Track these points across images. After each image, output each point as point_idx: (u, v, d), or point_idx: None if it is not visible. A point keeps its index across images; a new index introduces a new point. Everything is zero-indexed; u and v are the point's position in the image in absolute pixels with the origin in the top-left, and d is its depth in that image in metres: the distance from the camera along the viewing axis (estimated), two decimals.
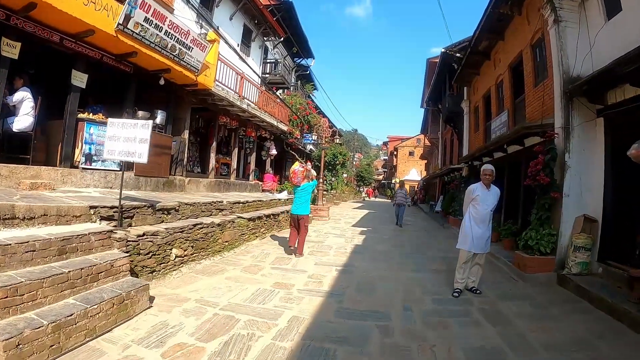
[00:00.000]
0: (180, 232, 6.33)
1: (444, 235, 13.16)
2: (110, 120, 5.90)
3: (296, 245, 7.95)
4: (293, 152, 18.85)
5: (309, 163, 26.72)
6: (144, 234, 5.56)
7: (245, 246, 8.54)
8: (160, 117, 9.85)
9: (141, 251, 5.51)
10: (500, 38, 12.01)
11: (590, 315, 5.14)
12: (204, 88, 10.57)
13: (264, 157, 17.46)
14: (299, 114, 17.06)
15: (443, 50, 17.42)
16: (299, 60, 28.20)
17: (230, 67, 12.15)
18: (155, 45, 8.27)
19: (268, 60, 21.52)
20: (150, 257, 5.68)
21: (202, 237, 6.93)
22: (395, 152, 73.44)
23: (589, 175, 7.10)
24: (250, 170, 15.67)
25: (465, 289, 5.94)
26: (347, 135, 66.78)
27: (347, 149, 26.96)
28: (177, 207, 6.88)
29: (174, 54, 8.88)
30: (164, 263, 5.97)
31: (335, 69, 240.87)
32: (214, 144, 12.63)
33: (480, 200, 5.83)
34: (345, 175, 45.44)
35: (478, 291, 5.90)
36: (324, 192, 27.71)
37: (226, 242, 7.85)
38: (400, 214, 14.86)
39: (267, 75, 21.65)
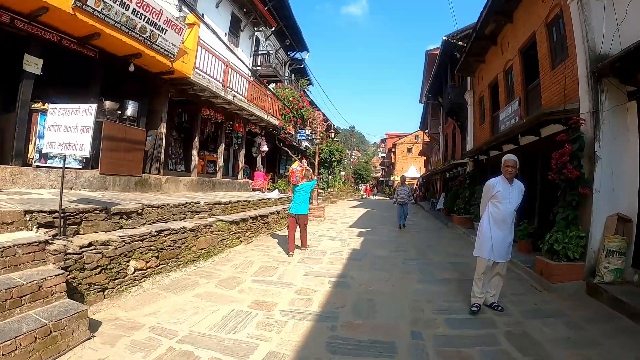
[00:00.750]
0: (140, 240, 5.30)
1: (449, 236, 12.17)
2: (50, 106, 4.89)
3: (294, 250, 7.84)
4: (286, 149, 17.82)
5: (304, 160, 25.77)
6: (90, 245, 4.54)
7: (227, 253, 7.52)
8: (131, 108, 8.84)
9: (87, 265, 4.49)
10: (509, 20, 11.01)
11: (638, 336, 4.19)
12: (182, 76, 9.56)
13: (254, 154, 16.45)
14: (291, 107, 16.02)
15: (444, 38, 16.40)
16: (292, 54, 27.16)
17: (214, 55, 11.12)
18: (122, 25, 7.29)
19: (259, 52, 20.50)
20: (99, 273, 4.66)
21: (169, 246, 5.91)
22: (393, 149, 72.56)
23: (622, 168, 6.15)
24: (240, 168, 14.65)
25: (484, 304, 4.94)
26: (345, 133, 65.86)
27: (344, 146, 25.91)
28: (139, 210, 5.85)
29: (145, 36, 7.89)
30: (119, 279, 4.95)
31: (331, 68, 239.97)
32: (197, 139, 11.61)
33: (502, 197, 4.83)
34: (342, 173, 44.50)
35: (499, 307, 4.91)
36: (320, 191, 26.71)
37: (202, 249, 6.83)
38: (404, 214, 13.25)
39: (258, 68, 20.63)
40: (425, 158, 47.84)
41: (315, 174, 14.94)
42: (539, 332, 4.25)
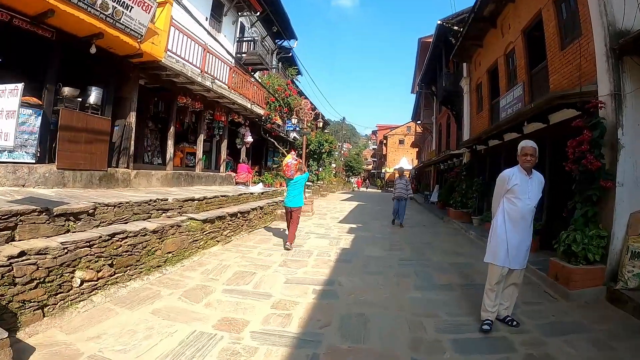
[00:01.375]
0: (88, 246, 4.44)
1: (447, 231, 11.45)
2: None
3: (286, 243, 7.78)
4: (272, 140, 16.92)
5: (293, 152, 24.97)
6: (21, 254, 3.70)
7: (200, 256, 6.69)
8: (95, 95, 7.95)
9: (18, 280, 3.64)
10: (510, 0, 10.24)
11: None
12: (152, 59, 8.67)
13: (238, 146, 15.56)
14: (277, 95, 15.10)
15: (439, 22, 15.64)
16: (280, 42, 26.14)
17: (191, 37, 10.19)
18: (79, 1, 6.37)
19: (245, 39, 19.48)
20: (35, 287, 3.82)
21: (127, 251, 5.06)
22: (384, 141, 71.88)
23: None
24: (222, 161, 13.77)
25: (497, 318, 4.19)
26: (335, 125, 64.94)
27: (334, 137, 25.08)
28: (90, 210, 4.98)
29: (107, 13, 7.00)
30: (61, 293, 4.10)
31: (321, 60, 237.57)
32: (172, 129, 10.72)
33: (520, 191, 4.05)
34: (333, 165, 43.65)
35: (514, 322, 4.17)
36: (309, 184, 25.78)
37: (170, 253, 5.99)
38: (401, 211, 12.02)
39: (242, 55, 19.64)
40: (417, 150, 47.18)
41: (303, 166, 14.05)
42: (564, 355, 3.54)
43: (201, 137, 12.31)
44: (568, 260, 5.47)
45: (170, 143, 10.65)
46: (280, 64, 26.60)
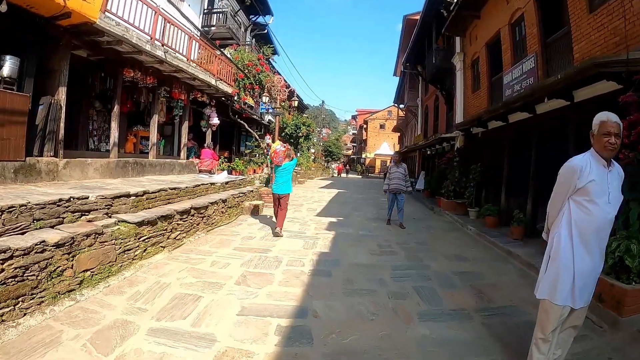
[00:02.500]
0: None
1: (441, 226, 10.13)
2: None
3: (276, 229, 7.81)
4: (243, 122, 15.22)
5: (267, 137, 23.25)
6: None
7: (135, 270, 5.13)
8: (9, 66, 6.25)
9: None
10: None
11: None
12: (85, 21, 6.92)
13: (203, 128, 13.85)
14: (246, 71, 13.40)
15: None
16: (254, 18, 24.15)
17: None
18: None
19: (214, 11, 17.63)
20: None
21: (14, 277, 3.49)
22: (365, 126, 70.70)
23: None
24: (182, 145, 12.07)
25: None
26: (314, 110, 63.19)
27: (311, 120, 23.47)
28: None
29: None
30: None
31: (298, 43, 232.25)
32: (117, 108, 8.97)
33: (597, 192, 2.64)
34: (312, 150, 42.03)
35: None
36: None
37: (88, 270, 4.42)
38: (399, 207, 9.57)
39: (211, 28, 17.78)
40: (399, 134, 45.95)
41: (272, 150, 12.49)
42: None
43: (155, 118, 10.57)
44: (617, 277, 4.16)
45: (114, 125, 8.91)
46: (254, 42, 24.66)
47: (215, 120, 13.38)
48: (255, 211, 9.91)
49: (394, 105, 63.68)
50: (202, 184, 8.53)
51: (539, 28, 8.25)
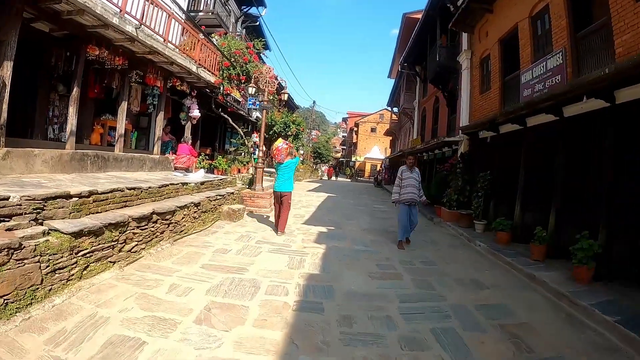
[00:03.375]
0: None
1: (445, 240, 8.97)
2: None
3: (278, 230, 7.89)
4: (226, 116, 13.95)
5: (255, 135, 21.98)
6: None
7: (69, 294, 3.89)
8: None
9: None
10: None
11: None
12: None
13: (182, 121, 12.58)
14: (233, 60, 12.13)
15: None
16: (246, 9, 23.04)
17: None
18: None
19: None
20: None
21: None
22: (355, 129, 69.76)
23: None
24: (156, 139, 10.77)
25: None
26: (305, 112, 62.09)
27: (302, 118, 22.23)
28: None
29: None
30: None
31: (291, 45, 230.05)
32: (76, 91, 7.66)
33: None
34: (301, 151, 40.75)
35: None
36: (272, 170, 22.68)
37: None
38: (412, 223, 7.86)
39: (198, 14, 16.56)
40: (391, 138, 44.96)
41: (260, 148, 11.31)
42: None
43: (124, 106, 9.25)
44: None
45: (71, 111, 7.60)
46: (245, 33, 23.45)
47: (196, 113, 12.10)
48: (234, 217, 8.67)
49: (386, 109, 63.19)
50: (172, 184, 7.25)
51: (568, 20, 7.20)
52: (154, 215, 5.84)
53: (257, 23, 24.14)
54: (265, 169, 26.88)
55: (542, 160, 7.84)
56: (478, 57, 11.69)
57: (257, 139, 23.46)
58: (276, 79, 11.47)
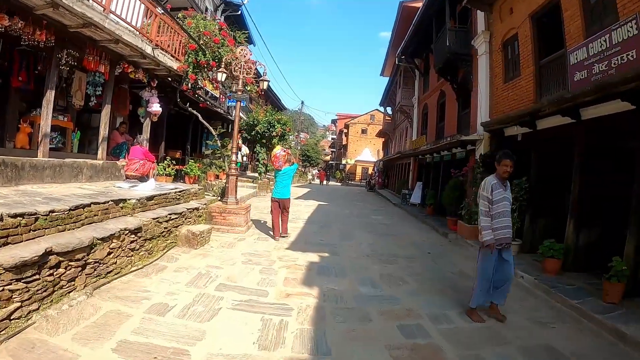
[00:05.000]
0: None
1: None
2: None
3: (281, 233, 8.19)
4: (195, 112, 11.82)
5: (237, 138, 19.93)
6: None
7: None
8: None
9: None
10: None
11: None
12: None
13: (141, 118, 10.45)
14: (202, 42, 10.00)
15: None
16: None
17: None
18: None
19: None
20: None
21: None
22: (345, 130, 67.97)
23: None
24: (101, 139, 8.60)
25: None
26: (293, 114, 60.12)
27: (287, 117, 20.18)
28: None
29: None
30: None
31: (278, 47, 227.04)
32: None
33: None
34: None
35: None
36: (254, 176, 20.43)
37: None
38: (506, 276, 4.57)
39: None
40: (383, 140, 43.09)
41: (234, 147, 9.22)
42: None
43: (50, 96, 7.04)
44: None
45: None
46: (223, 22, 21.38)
47: (156, 108, 9.96)
48: (195, 242, 6.58)
49: (377, 110, 61.56)
50: (95, 203, 5.12)
51: None
52: (52, 257, 3.76)
53: (239, 12, 22.06)
54: (249, 174, 24.82)
55: (612, 164, 5.94)
56: (499, 39, 9.77)
57: (240, 141, 21.42)
58: (254, 64, 9.39)
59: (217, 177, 17.29)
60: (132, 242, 5.32)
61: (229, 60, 8.98)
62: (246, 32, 15.53)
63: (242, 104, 19.25)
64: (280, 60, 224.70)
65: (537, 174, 7.67)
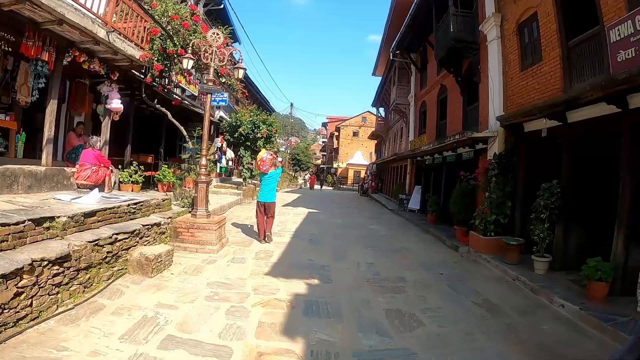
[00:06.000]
0: None
1: (508, 299, 5.69)
2: None
3: (264, 237, 8.30)
4: (164, 111, 10.49)
5: (218, 139, 18.60)
6: None
7: None
8: None
9: None
10: None
11: None
12: None
13: (101, 117, 9.12)
14: (169, 28, 8.68)
15: None
16: None
17: None
18: None
19: None
20: None
21: None
22: (336, 133, 66.80)
23: None
24: (45, 141, 7.24)
25: None
26: (283, 118, 59.07)
27: (273, 118, 18.74)
28: None
29: None
30: None
31: (266, 50, 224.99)
32: None
33: None
34: (279, 158, 37.11)
35: None
36: (238, 181, 18.96)
37: None
38: None
39: None
40: (376, 142, 41.90)
41: (203, 148, 7.93)
42: None
43: None
44: None
45: None
46: (206, 18, 20.06)
47: (116, 104, 8.61)
48: (149, 269, 5.26)
49: (369, 112, 60.46)
50: (4, 225, 3.83)
51: None
52: None
53: (222, 6, 20.78)
54: (235, 180, 23.34)
55: None
56: (514, 21, 8.61)
57: (220, 144, 20.02)
58: (227, 48, 8.08)
59: (197, 183, 15.98)
60: (56, 275, 4.01)
61: (197, 44, 7.67)
62: (230, 27, 14.19)
63: (223, 102, 17.96)
64: (268, 62, 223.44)
65: (570, 176, 6.48)
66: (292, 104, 51.03)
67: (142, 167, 9.90)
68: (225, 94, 17.02)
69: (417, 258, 7.81)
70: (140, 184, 9.77)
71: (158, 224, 6.46)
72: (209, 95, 7.50)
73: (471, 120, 10.81)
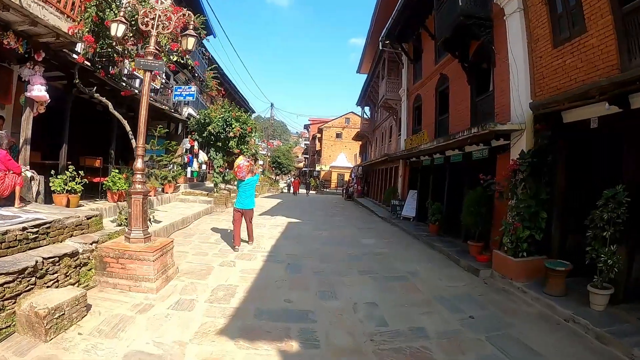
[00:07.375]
0: None
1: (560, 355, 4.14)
2: None
3: (240, 244, 8.32)
4: (105, 100, 8.58)
5: (187, 140, 16.79)
6: None
7: None
8: None
9: None
10: None
11: None
12: None
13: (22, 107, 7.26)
14: None
15: None
16: None
17: None
18: None
19: None
20: None
21: None
22: (319, 135, 65.14)
23: None
24: None
25: None
26: (265, 121, 57.22)
27: (248, 116, 16.77)
28: None
29: None
30: None
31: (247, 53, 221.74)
32: None
33: None
34: (260, 161, 35.30)
35: None
36: (210, 185, 16.85)
37: None
38: None
39: None
40: (361, 143, 40.29)
41: (139, 146, 6.03)
42: None
43: None
44: None
45: None
46: (170, 2, 18.18)
47: (38, 92, 6.74)
48: (45, 329, 3.49)
49: (352, 112, 59.04)
50: None
51: None
52: None
53: None
54: (208, 185, 21.40)
55: None
56: None
57: (189, 145, 18.09)
58: (177, 14, 6.31)
59: (163, 190, 14.09)
60: None
61: (135, 8, 5.90)
62: (203, 17, 12.31)
63: (190, 97, 15.98)
64: (250, 65, 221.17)
65: (638, 179, 4.91)
66: (272, 104, 49.18)
67: (82, 173, 8.06)
68: (193, 87, 15.12)
69: (431, 289, 6.09)
70: (79, 194, 7.93)
71: (73, 254, 4.64)
72: (147, 73, 5.68)
73: (484, 112, 9.19)
